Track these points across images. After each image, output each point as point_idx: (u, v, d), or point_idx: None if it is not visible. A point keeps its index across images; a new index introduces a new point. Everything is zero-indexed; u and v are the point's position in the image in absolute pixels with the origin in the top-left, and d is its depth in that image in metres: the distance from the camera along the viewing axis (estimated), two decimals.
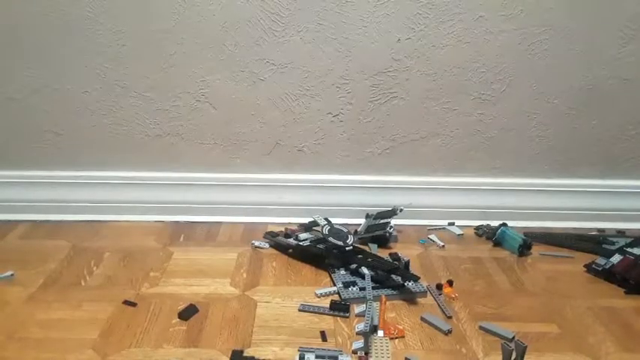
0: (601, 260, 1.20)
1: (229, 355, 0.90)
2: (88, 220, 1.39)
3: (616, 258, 1.19)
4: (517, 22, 1.26)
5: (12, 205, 1.38)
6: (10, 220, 1.37)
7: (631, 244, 1.25)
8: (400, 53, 1.29)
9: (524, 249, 1.27)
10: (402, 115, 1.35)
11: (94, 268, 1.17)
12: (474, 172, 1.42)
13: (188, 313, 1.01)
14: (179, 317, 1.00)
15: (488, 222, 1.39)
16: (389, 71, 1.30)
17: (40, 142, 1.36)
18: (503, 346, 0.85)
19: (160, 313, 1.01)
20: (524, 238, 1.28)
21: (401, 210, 1.30)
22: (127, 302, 1.04)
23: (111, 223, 1.39)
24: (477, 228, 1.38)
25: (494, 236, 1.32)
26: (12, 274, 1.13)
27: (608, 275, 1.17)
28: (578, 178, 1.42)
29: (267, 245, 1.29)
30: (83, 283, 1.11)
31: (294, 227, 1.33)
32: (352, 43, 1.28)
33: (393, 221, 1.31)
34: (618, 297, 1.11)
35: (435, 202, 1.42)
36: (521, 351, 0.84)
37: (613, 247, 1.29)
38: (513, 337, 0.96)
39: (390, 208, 1.31)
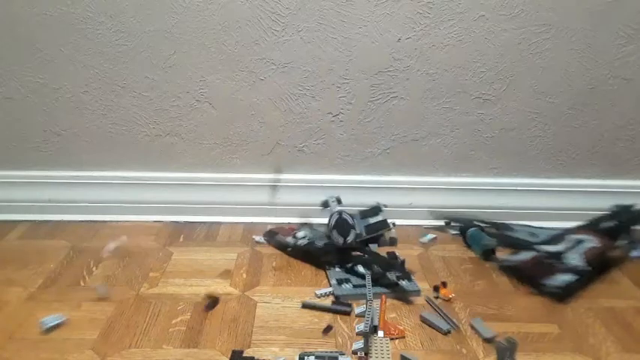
0: (510, 257, 1.12)
1: (229, 356, 0.90)
2: (88, 220, 1.38)
3: (524, 255, 1.10)
4: (517, 21, 1.26)
5: (12, 205, 1.38)
6: (10, 220, 1.37)
7: (554, 240, 1.17)
8: (400, 53, 1.28)
9: (487, 255, 1.23)
10: (402, 115, 1.35)
11: (94, 269, 1.17)
12: (474, 172, 1.41)
13: (212, 304, 1.03)
14: (205, 309, 1.02)
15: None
16: (389, 71, 1.30)
17: (40, 142, 1.36)
18: (497, 344, 0.85)
19: (160, 314, 1.01)
20: (485, 243, 1.22)
21: (385, 206, 1.30)
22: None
23: (111, 223, 1.38)
24: (447, 223, 1.37)
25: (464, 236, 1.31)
26: (63, 321, 0.98)
27: (517, 273, 1.12)
28: (579, 178, 1.42)
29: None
30: (83, 284, 1.11)
31: (294, 226, 1.33)
32: (352, 43, 1.27)
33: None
34: (619, 297, 1.11)
35: (435, 202, 1.42)
36: (512, 347, 0.84)
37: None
38: (494, 337, 0.95)
39: (371, 207, 1.31)
